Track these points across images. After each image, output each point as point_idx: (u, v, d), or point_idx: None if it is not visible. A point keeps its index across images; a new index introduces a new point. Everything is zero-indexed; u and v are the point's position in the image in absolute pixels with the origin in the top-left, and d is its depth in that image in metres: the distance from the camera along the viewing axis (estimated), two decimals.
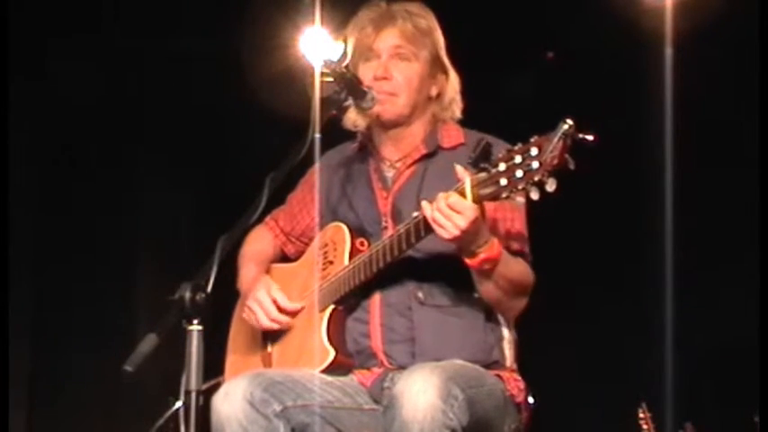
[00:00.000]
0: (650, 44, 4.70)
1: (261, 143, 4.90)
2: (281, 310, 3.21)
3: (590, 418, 5.00)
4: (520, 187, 2.72)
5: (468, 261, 2.93)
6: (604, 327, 5.13)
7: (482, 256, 2.90)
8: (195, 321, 2.59)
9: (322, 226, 3.26)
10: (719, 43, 4.85)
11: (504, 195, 2.76)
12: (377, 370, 3.08)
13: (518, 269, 3.04)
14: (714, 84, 4.90)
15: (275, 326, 3.22)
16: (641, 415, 4.56)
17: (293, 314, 3.22)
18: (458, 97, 3.24)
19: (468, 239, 2.87)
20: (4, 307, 4.88)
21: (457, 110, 3.24)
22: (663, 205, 4.51)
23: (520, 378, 3.14)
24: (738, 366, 4.63)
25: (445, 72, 3.23)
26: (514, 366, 3.15)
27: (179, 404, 2.60)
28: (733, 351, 4.75)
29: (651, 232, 4.61)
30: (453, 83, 3.23)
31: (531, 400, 3.15)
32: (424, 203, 2.89)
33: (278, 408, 2.96)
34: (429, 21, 3.22)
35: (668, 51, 4.60)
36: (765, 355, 3.72)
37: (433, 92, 3.21)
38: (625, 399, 4.62)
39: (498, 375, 3.06)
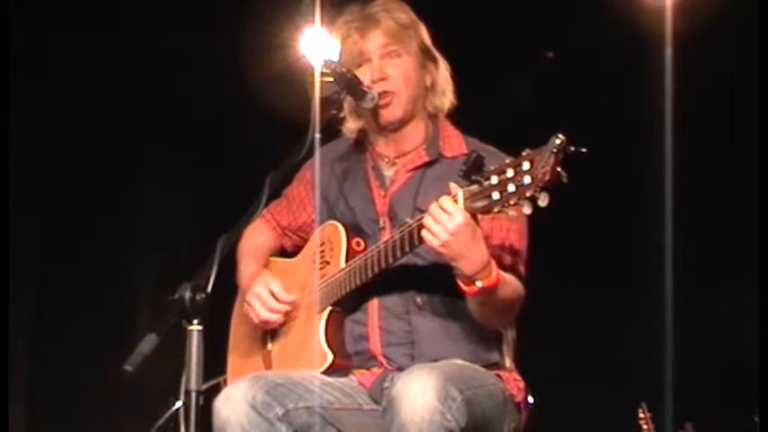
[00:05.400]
0: (650, 44, 4.70)
1: (261, 143, 4.89)
2: (278, 301, 3.21)
3: (590, 418, 4.99)
4: (512, 202, 2.70)
5: (465, 289, 2.90)
6: (604, 327, 5.12)
7: (479, 284, 2.87)
8: (195, 321, 2.60)
9: (319, 223, 3.27)
10: (719, 43, 4.84)
11: (496, 210, 2.75)
12: (376, 370, 3.09)
13: (511, 289, 3.00)
14: (714, 84, 4.90)
15: (273, 316, 3.22)
16: (641, 415, 4.55)
17: (291, 305, 3.22)
18: (449, 82, 3.25)
19: (458, 249, 2.82)
20: (4, 307, 4.87)
21: (450, 95, 3.23)
22: (663, 205, 4.51)
23: (519, 378, 3.14)
24: (738, 366, 4.63)
25: (434, 60, 3.24)
26: (514, 366, 3.15)
27: (179, 404, 2.60)
28: (733, 351, 4.74)
29: (652, 232, 4.60)
30: (443, 69, 3.25)
31: (530, 399, 3.15)
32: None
33: (280, 411, 2.96)
34: (409, 14, 3.23)
35: (668, 51, 4.59)
36: (765, 355, 3.71)
37: (428, 82, 3.22)
38: (625, 399, 4.62)
39: (498, 375, 3.06)
